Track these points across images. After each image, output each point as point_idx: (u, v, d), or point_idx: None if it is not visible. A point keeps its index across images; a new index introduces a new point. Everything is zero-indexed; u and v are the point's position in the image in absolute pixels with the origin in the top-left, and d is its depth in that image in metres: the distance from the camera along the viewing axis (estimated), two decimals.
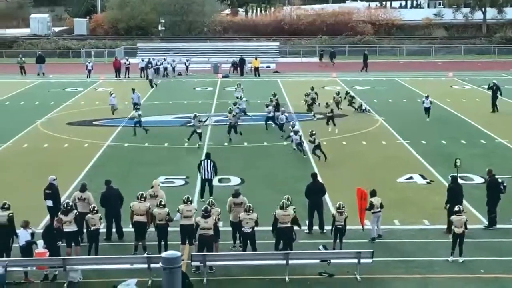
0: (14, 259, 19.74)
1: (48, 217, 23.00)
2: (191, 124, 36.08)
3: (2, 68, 70.71)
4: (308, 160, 32.59)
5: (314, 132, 32.89)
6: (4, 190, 27.25)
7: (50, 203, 22.89)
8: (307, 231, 22.91)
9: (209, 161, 26.53)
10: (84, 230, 21.30)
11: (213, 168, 26.42)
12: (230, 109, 37.68)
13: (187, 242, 20.88)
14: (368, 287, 19.23)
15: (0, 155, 33.89)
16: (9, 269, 19.17)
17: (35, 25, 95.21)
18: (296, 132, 33.88)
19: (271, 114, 39.20)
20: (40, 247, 19.81)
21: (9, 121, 41.84)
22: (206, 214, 20.31)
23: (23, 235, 20.03)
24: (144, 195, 21.93)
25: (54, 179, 23.38)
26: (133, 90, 43.84)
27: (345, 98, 45.21)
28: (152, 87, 56.58)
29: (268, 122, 39.33)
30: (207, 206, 20.71)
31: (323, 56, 75.23)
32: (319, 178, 24.91)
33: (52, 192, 22.99)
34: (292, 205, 21.34)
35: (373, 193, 22.64)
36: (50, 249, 19.71)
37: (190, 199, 21.54)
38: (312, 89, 45.09)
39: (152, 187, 23.21)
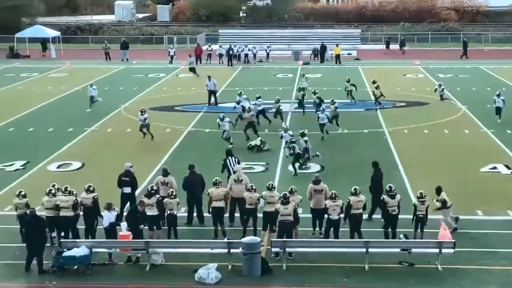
0: (99, 240, 20.21)
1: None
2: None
3: (88, 54, 72.22)
4: (388, 146, 32.39)
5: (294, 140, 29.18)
6: (90, 173, 27.92)
7: (128, 189, 23.22)
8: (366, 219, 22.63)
9: (233, 158, 25.96)
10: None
11: (238, 163, 25.76)
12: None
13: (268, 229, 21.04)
14: (450, 277, 18.96)
15: (85, 139, 34.64)
16: (94, 250, 19.65)
17: (120, 12, 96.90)
18: (302, 135, 29.59)
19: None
20: (123, 229, 20.23)
21: (94, 105, 42.69)
22: (285, 201, 20.37)
23: (107, 217, 20.48)
24: (220, 181, 22.17)
25: (131, 166, 23.76)
26: (209, 77, 44.05)
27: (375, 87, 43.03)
28: (195, 73, 56.64)
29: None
30: (286, 193, 20.77)
31: (390, 44, 74.06)
32: (400, 167, 24.65)
33: (129, 179, 23.36)
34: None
35: (439, 190, 22.07)
36: (133, 231, 20.11)
37: (274, 185, 21.64)
38: (348, 81, 43.96)
39: (234, 172, 23.44)
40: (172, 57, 64.18)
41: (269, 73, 57.81)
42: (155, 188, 21.66)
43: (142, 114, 33.97)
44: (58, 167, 29.85)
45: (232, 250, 19.55)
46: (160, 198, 21.27)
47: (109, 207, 20.60)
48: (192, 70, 57.25)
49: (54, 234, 21.11)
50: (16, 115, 40.22)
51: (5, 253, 20.63)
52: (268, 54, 66.81)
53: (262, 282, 18.87)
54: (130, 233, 20.04)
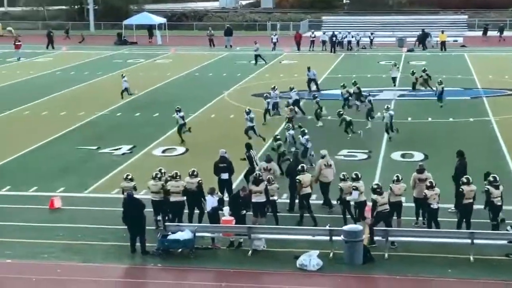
0: (202, 225, 20.53)
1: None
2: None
3: (192, 40, 73.20)
4: (494, 135, 31.61)
5: (279, 137, 27.88)
6: (193, 159, 28.33)
7: (225, 175, 23.43)
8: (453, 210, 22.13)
9: (253, 151, 25.55)
10: None
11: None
12: None
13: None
14: None
15: (190, 124, 35.11)
16: (197, 234, 19.99)
17: None
18: (303, 133, 28.10)
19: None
20: (226, 214, 20.48)
21: (198, 91, 43.29)
22: (380, 191, 20.15)
23: (210, 201, 20.77)
24: (306, 167, 22.25)
25: (225, 152, 23.99)
26: (309, 68, 43.85)
27: (420, 76, 41.98)
28: (264, 60, 56.34)
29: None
30: (378, 183, 20.58)
31: (488, 31, 71.75)
32: (507, 157, 23.98)
33: (226, 166, 23.57)
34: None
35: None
36: (236, 217, 20.32)
37: (360, 176, 21.41)
38: (413, 73, 42.46)
39: (323, 156, 23.43)
40: (275, 44, 64.32)
41: (372, 60, 57.22)
42: (261, 174, 21.76)
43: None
44: (163, 151, 30.44)
45: (333, 238, 19.51)
46: (267, 185, 21.38)
47: (211, 192, 20.88)
48: (258, 57, 56.85)
49: (159, 217, 21.57)
50: (123, 100, 41.18)
51: (112, 234, 21.23)
52: (371, 41, 66.11)
53: (363, 270, 18.77)
54: (233, 218, 20.27)
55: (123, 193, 21.85)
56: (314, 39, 64.61)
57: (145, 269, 19.25)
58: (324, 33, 66.71)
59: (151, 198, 21.32)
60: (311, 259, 18.88)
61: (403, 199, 21.20)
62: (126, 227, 20.08)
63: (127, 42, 72.02)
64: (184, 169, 22.13)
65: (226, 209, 20.74)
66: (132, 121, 36.23)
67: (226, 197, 22.51)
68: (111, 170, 27.68)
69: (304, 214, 21.73)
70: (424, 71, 42.42)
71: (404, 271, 18.58)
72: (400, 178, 20.93)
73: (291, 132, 28.97)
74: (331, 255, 19.45)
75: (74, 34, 74.81)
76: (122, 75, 42.81)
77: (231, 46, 67.08)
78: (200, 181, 21.38)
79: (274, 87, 37.10)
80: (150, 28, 73.85)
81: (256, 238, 19.92)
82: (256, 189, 20.97)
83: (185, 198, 21.35)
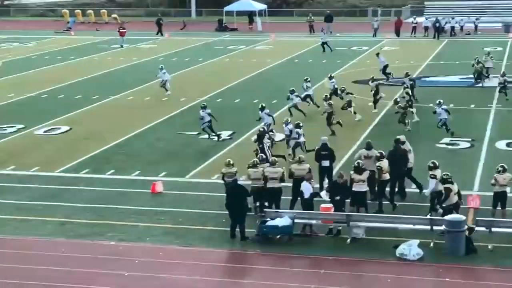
0: (301, 211, 20.50)
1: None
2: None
3: (292, 26, 73.15)
4: None
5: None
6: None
7: (327, 163, 23.31)
8: None
9: (268, 142, 25.64)
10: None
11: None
12: None
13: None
14: None
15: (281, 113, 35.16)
16: (296, 220, 20.01)
17: None
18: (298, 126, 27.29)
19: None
20: (323, 197, 20.38)
21: (298, 78, 43.16)
22: (450, 180, 19.67)
23: (306, 188, 20.74)
24: (384, 154, 22.01)
25: (327, 139, 23.87)
26: (377, 54, 43.24)
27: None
28: (330, 48, 55.65)
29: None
30: (448, 173, 20.11)
31: None
32: None
33: (328, 153, 23.45)
34: None
35: None
36: (335, 204, 20.23)
37: (437, 164, 20.93)
38: (478, 62, 40.77)
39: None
40: (375, 30, 63.60)
41: (477, 47, 55.78)
42: (361, 162, 21.57)
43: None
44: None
45: (434, 227, 19.18)
46: (370, 173, 21.17)
47: (309, 178, 20.85)
48: (325, 44, 56.10)
49: (258, 204, 21.70)
50: (224, 86, 41.56)
51: (212, 219, 21.49)
52: (476, 26, 64.49)
53: (465, 261, 18.38)
54: (332, 205, 20.18)
55: (223, 179, 22.09)
56: (416, 25, 63.54)
57: (244, 254, 19.40)
58: (426, 19, 65.50)
59: (251, 185, 21.43)
60: (411, 249, 18.63)
61: (507, 189, 20.64)
62: (226, 212, 20.29)
63: (228, 28, 72.59)
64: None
65: (323, 193, 20.66)
66: (232, 107, 36.50)
67: (325, 184, 22.48)
68: (211, 155, 27.99)
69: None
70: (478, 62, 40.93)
71: (508, 263, 18.11)
72: (506, 168, 20.37)
73: (290, 126, 27.55)
74: (431, 244, 19.14)
75: (176, 21, 75.84)
76: (161, 67, 40.71)
77: (331, 32, 66.66)
78: (310, 168, 21.43)
79: (307, 78, 36.31)
80: (250, 15, 74.21)
81: (355, 226, 19.78)
82: (359, 178, 20.76)
83: (282, 184, 21.37)
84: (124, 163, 27.53)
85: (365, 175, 20.82)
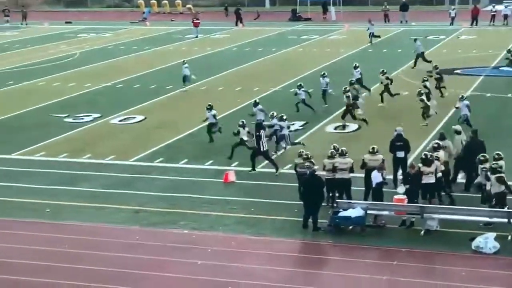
0: (374, 202, 20.28)
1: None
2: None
3: (367, 16, 72.34)
4: None
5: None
6: (367, 135, 28.02)
7: (401, 154, 22.98)
8: None
9: (264, 131, 25.44)
10: None
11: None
12: None
13: None
14: None
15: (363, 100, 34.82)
16: (368, 212, 19.81)
17: None
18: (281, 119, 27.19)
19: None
20: (399, 191, 20.12)
21: (372, 68, 42.72)
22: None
23: (375, 177, 20.53)
24: (441, 144, 21.65)
25: (402, 130, 23.53)
26: (415, 39, 43.18)
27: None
28: (377, 37, 54.92)
29: None
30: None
31: None
32: None
33: (403, 144, 23.11)
34: None
35: None
36: (408, 196, 19.94)
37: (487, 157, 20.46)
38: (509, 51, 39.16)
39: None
40: (453, 19, 62.49)
41: None
42: (434, 155, 21.20)
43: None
44: (335, 128, 30.37)
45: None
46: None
47: (380, 168, 20.63)
48: (373, 36, 55.33)
49: (331, 194, 21.60)
50: (297, 76, 41.42)
51: (284, 209, 21.46)
52: None
53: None
54: (405, 197, 19.90)
55: (295, 169, 22.02)
56: (495, 13, 62.15)
57: (316, 245, 19.31)
58: (506, 7, 63.98)
59: (325, 176, 21.29)
60: (487, 242, 18.23)
61: None
62: (298, 202, 20.22)
63: (301, 18, 72.35)
64: (355, 146, 21.96)
65: (400, 188, 20.39)
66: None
67: (399, 175, 22.19)
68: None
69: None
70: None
71: None
72: None
73: (274, 120, 27.26)
74: (509, 237, 18.70)
75: (250, 11, 75.92)
76: (183, 61, 39.95)
77: (406, 21, 65.79)
78: (384, 158, 21.27)
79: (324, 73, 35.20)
80: (324, 4, 73.75)
81: (429, 217, 19.46)
82: (428, 170, 20.42)
83: (351, 175, 21.23)
84: (197, 152, 27.71)
85: (434, 166, 20.46)
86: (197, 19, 62.04)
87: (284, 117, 27.27)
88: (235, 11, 69.19)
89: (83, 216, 21.46)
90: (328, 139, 27.08)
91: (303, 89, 33.15)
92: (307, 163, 21.18)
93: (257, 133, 25.12)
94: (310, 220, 19.93)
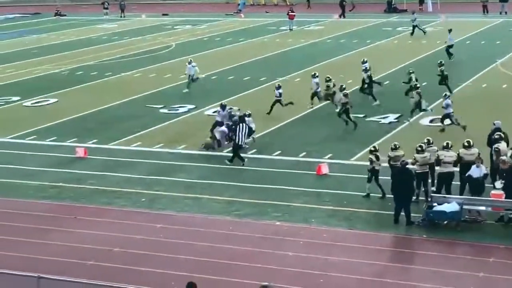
0: (470, 197, 19.89)
1: None
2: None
3: (464, 7, 70.91)
4: None
5: None
6: (457, 129, 27.48)
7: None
8: None
9: (243, 124, 25.59)
10: None
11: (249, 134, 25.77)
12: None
13: None
14: None
15: (460, 93, 34.18)
16: (464, 207, 19.44)
17: None
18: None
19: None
20: (497, 186, 19.68)
21: (469, 60, 41.95)
22: None
23: (474, 171, 20.16)
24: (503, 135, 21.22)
25: (500, 124, 23.03)
26: (450, 30, 42.70)
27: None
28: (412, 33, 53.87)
29: None
30: None
31: None
32: None
33: (503, 137, 22.59)
34: None
35: None
36: (506, 191, 19.46)
37: None
38: None
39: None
40: None
41: None
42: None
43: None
44: (431, 121, 29.90)
45: None
46: None
47: (477, 162, 20.21)
48: (416, 28, 54.23)
49: (423, 189, 21.34)
50: (392, 68, 40.95)
51: (376, 203, 21.32)
52: None
53: None
54: (503, 192, 19.43)
55: (389, 163, 21.80)
56: None
57: (410, 239, 19.08)
58: None
59: (417, 170, 20.99)
60: None
61: None
62: (392, 196, 20.02)
63: (397, 9, 71.38)
64: (447, 139, 21.60)
65: (498, 183, 19.93)
66: (399, 89, 35.88)
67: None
68: (377, 138, 27.67)
69: None
70: None
71: None
72: None
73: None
74: None
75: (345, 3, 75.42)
76: (189, 60, 38.46)
77: (506, 12, 64.09)
78: (479, 152, 20.91)
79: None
80: None
81: None
82: None
83: (454, 169, 20.91)
84: (290, 144, 27.74)
85: None
86: (293, 12, 61.80)
87: (247, 113, 27.49)
88: (340, 3, 68.60)
89: (178, 206, 21.80)
90: (422, 133, 26.65)
91: (279, 90, 32.09)
92: (402, 157, 20.98)
93: (234, 125, 25.85)
94: (403, 214, 19.70)
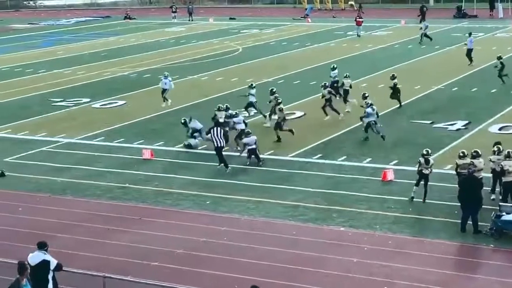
0: None
1: None
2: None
3: None
4: None
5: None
6: None
7: None
8: None
9: (218, 128, 25.87)
10: None
11: (223, 136, 25.80)
12: None
13: None
14: None
15: None
16: None
17: None
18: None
19: None
20: None
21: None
22: None
23: None
24: None
25: None
26: (470, 34, 41.26)
27: None
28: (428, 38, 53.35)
29: None
30: None
31: None
32: None
33: None
34: None
35: None
36: None
37: None
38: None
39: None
40: None
41: None
42: None
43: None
44: (500, 129, 29.36)
45: None
46: None
47: None
48: (424, 36, 53.88)
49: (494, 196, 20.95)
50: (460, 74, 40.38)
51: (443, 210, 21.02)
52: None
53: None
54: None
55: (456, 170, 21.49)
56: None
57: (477, 248, 18.75)
58: None
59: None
60: None
61: None
62: (459, 204, 19.72)
63: (467, 15, 70.38)
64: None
65: None
66: (468, 96, 35.42)
67: None
68: (444, 145, 27.32)
69: None
70: None
71: None
72: None
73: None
74: None
75: (413, 8, 74.66)
76: (165, 74, 36.72)
77: None
78: None
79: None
80: (492, 1, 71.38)
81: None
82: None
83: None
84: (355, 150, 27.59)
85: None
86: (360, 18, 61.18)
87: (234, 113, 28.21)
88: (420, 8, 67.80)
89: (242, 209, 21.86)
90: (490, 140, 26.16)
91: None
92: (469, 165, 20.67)
93: (208, 130, 26.11)
94: (470, 222, 19.38)
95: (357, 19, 60.36)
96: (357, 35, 59.80)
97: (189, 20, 75.01)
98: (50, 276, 14.42)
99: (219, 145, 25.63)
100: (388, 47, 53.08)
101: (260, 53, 51.60)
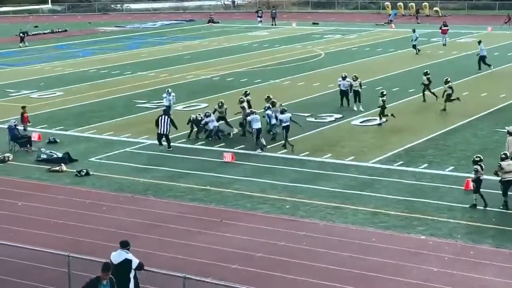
0: None
1: None
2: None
3: None
4: None
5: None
6: None
7: None
8: None
9: (165, 117, 29.37)
10: None
11: (170, 123, 29.29)
12: None
13: None
14: None
15: None
16: None
17: None
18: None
19: None
20: None
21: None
22: None
23: None
24: None
25: None
26: (479, 42, 38.63)
27: None
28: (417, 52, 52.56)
29: None
30: None
31: None
32: None
33: None
34: None
35: None
36: None
37: None
38: None
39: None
40: None
41: None
42: None
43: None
44: None
45: None
46: None
47: None
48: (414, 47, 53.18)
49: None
50: None
51: (486, 216, 20.84)
52: None
53: None
54: None
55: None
56: None
57: None
58: None
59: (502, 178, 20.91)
60: None
61: None
62: None
63: None
64: None
65: None
66: None
67: None
68: None
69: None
70: None
71: None
72: None
73: (268, 112, 30.19)
74: None
75: (499, 14, 73.18)
76: (167, 90, 36.12)
77: None
78: None
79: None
80: None
81: None
82: None
83: None
84: (437, 157, 27.24)
85: None
86: (446, 26, 59.39)
87: (208, 113, 30.78)
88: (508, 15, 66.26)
89: (321, 214, 21.84)
90: None
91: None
92: None
93: (156, 119, 29.40)
94: None
95: (442, 27, 58.75)
96: (443, 44, 58.25)
97: (272, 25, 75.30)
98: (131, 275, 14.73)
99: (163, 132, 29.21)
100: (473, 54, 52.02)
101: (343, 59, 51.43)
